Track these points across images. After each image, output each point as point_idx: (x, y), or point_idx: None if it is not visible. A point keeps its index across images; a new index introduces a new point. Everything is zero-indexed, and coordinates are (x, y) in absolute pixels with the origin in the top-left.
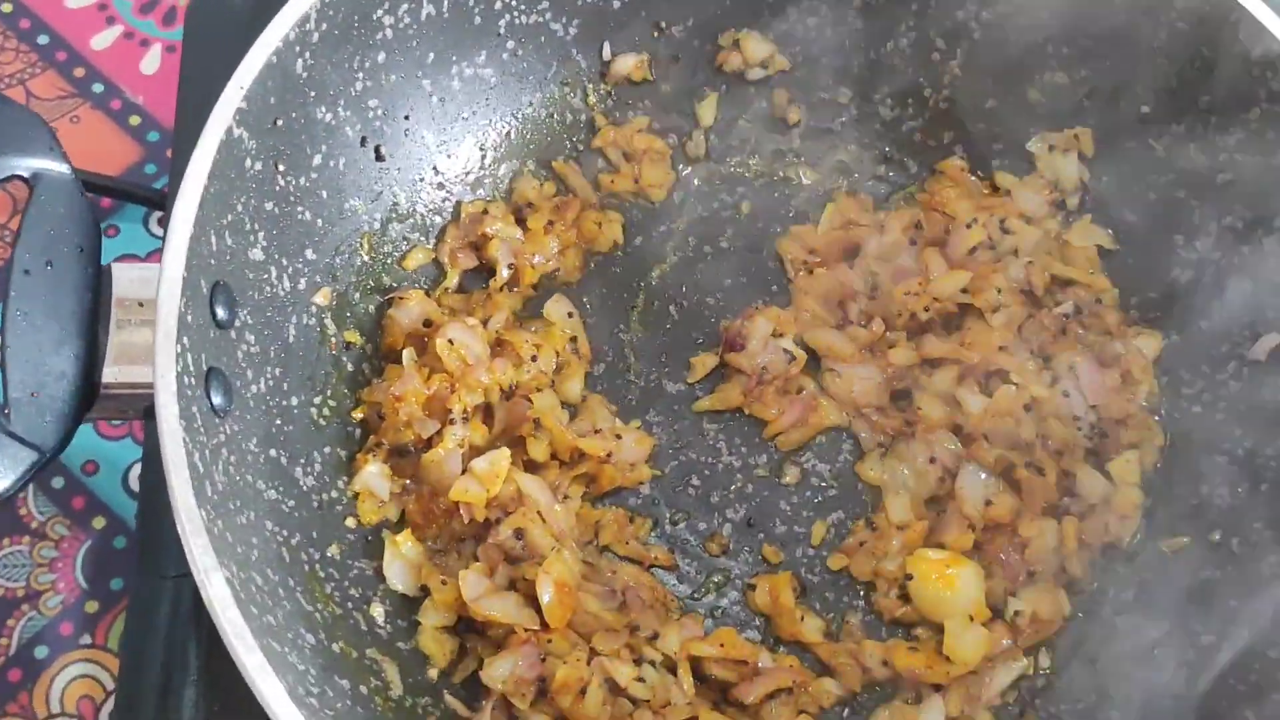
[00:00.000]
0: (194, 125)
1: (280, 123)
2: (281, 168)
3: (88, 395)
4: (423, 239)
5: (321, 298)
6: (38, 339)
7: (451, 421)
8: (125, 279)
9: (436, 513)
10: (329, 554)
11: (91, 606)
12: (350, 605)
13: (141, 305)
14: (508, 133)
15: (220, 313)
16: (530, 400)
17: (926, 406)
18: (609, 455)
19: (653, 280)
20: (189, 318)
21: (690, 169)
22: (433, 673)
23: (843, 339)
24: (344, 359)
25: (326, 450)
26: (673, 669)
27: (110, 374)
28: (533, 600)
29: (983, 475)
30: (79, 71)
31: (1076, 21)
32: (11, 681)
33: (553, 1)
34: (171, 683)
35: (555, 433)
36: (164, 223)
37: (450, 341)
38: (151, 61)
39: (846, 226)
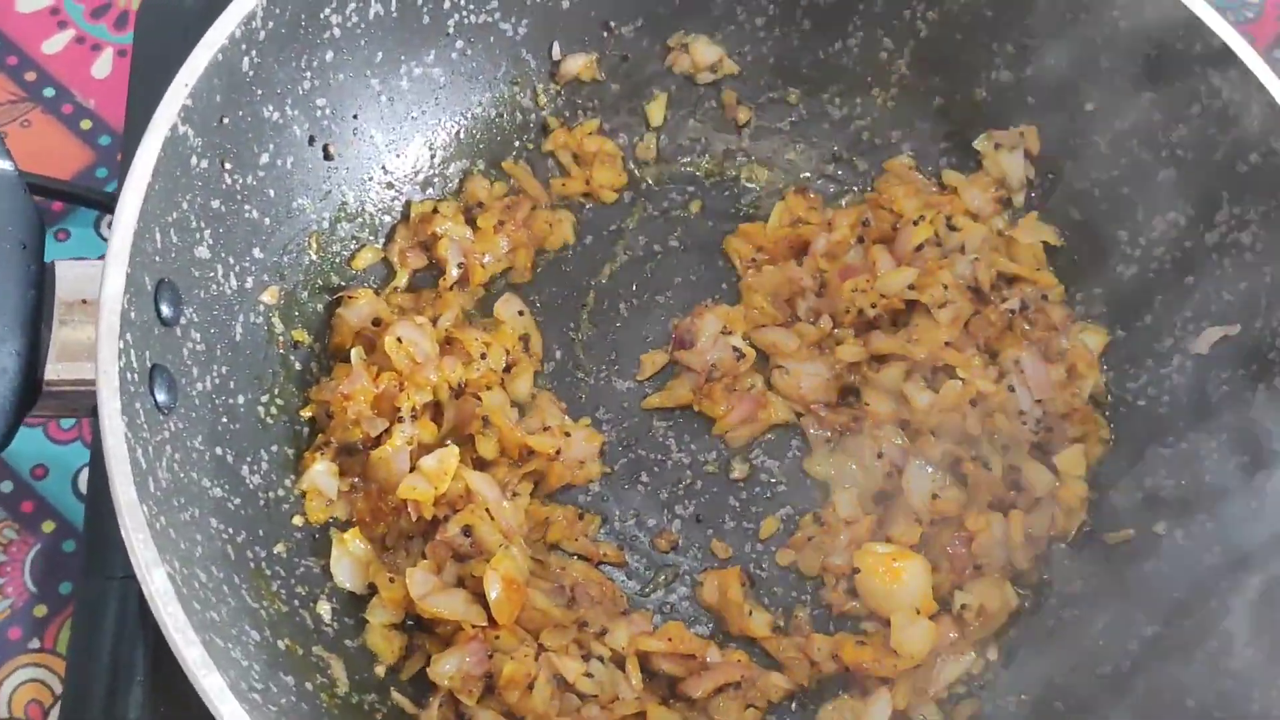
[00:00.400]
0: (143, 128)
1: (226, 121)
2: (228, 166)
3: (29, 393)
4: (372, 238)
5: (269, 296)
6: None
7: (400, 420)
8: (69, 276)
9: (384, 511)
10: (275, 551)
11: (40, 610)
12: (297, 603)
13: (85, 303)
14: (457, 132)
15: (165, 310)
16: (479, 398)
17: (874, 402)
18: (558, 453)
19: (603, 279)
20: (132, 314)
21: (641, 169)
22: (380, 670)
23: (791, 336)
24: (292, 358)
25: (274, 448)
26: (621, 664)
27: (53, 371)
28: (481, 597)
29: (929, 470)
30: (30, 75)
31: (1021, 21)
32: None
33: (501, 1)
34: (118, 683)
35: (504, 430)
36: None
37: (399, 340)
38: (103, 66)
39: (795, 224)
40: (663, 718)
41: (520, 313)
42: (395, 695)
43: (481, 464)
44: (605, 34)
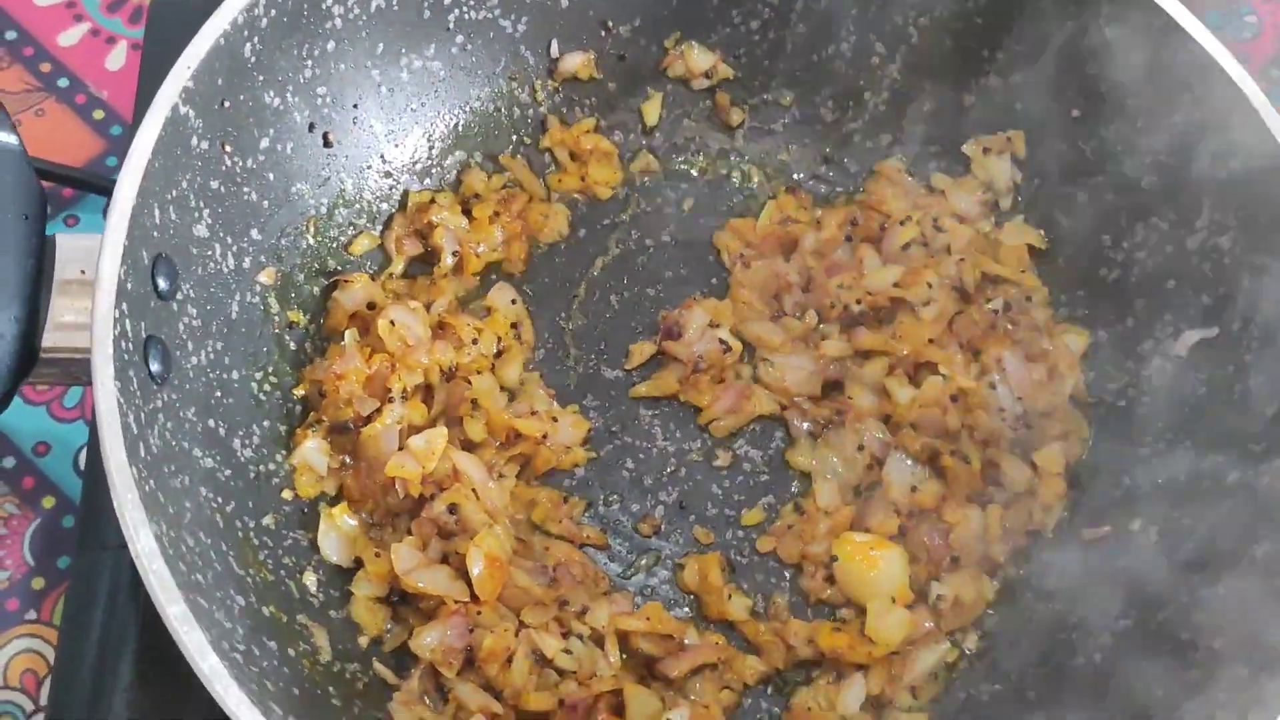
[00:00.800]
0: None
1: (228, 104)
2: (228, 148)
3: (27, 359)
4: (369, 225)
5: (266, 277)
6: None
7: (391, 400)
8: (69, 249)
9: (373, 488)
10: (264, 523)
11: (38, 583)
12: (283, 573)
13: (84, 273)
14: (456, 125)
15: (162, 284)
16: (469, 382)
17: (857, 396)
18: (545, 437)
19: (595, 271)
20: (129, 285)
21: (635, 166)
22: (363, 641)
23: (777, 330)
24: (287, 337)
25: (266, 424)
26: (601, 643)
27: (50, 339)
28: (464, 574)
29: (909, 463)
30: (45, 67)
31: (1010, 29)
32: None
33: None
34: (109, 650)
35: (492, 413)
36: None
37: (392, 322)
38: (117, 58)
39: (785, 222)
40: (639, 695)
41: (513, 301)
42: (377, 665)
43: (469, 445)
44: (603, 33)
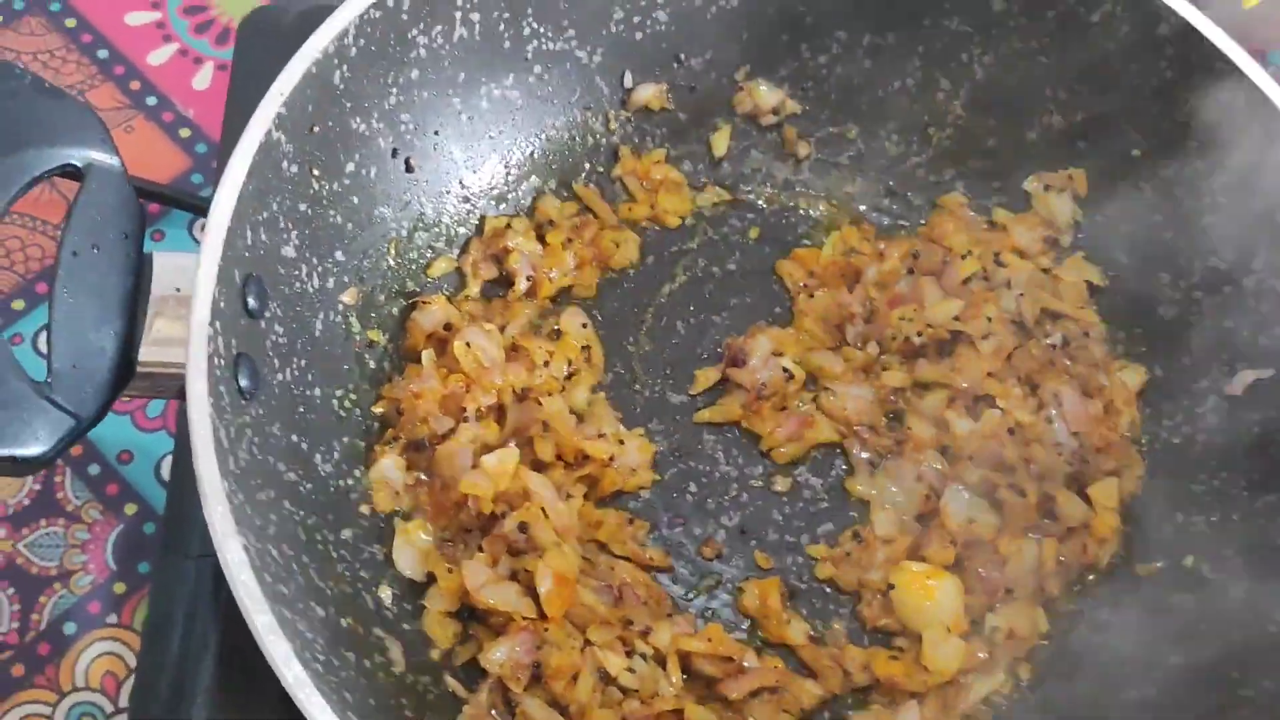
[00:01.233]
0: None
1: (317, 130)
2: (316, 172)
3: (125, 372)
4: (447, 248)
5: (348, 297)
6: (81, 316)
7: (465, 419)
8: (165, 267)
9: (446, 504)
10: (343, 536)
11: (119, 588)
12: (360, 586)
13: (178, 291)
14: (531, 152)
15: (252, 302)
16: (540, 403)
17: (916, 427)
18: (612, 459)
19: (662, 298)
20: (222, 304)
21: (704, 196)
22: (435, 654)
23: (839, 360)
24: (366, 356)
25: (345, 440)
26: (663, 663)
27: (146, 353)
28: (532, 591)
29: (966, 495)
30: (135, 85)
31: (1072, 68)
32: (40, 655)
33: (578, 30)
34: (190, 655)
35: (562, 434)
36: None
37: (468, 344)
38: (203, 78)
39: (849, 253)
40: (700, 716)
41: (584, 325)
42: (448, 679)
43: (539, 465)
44: (675, 65)
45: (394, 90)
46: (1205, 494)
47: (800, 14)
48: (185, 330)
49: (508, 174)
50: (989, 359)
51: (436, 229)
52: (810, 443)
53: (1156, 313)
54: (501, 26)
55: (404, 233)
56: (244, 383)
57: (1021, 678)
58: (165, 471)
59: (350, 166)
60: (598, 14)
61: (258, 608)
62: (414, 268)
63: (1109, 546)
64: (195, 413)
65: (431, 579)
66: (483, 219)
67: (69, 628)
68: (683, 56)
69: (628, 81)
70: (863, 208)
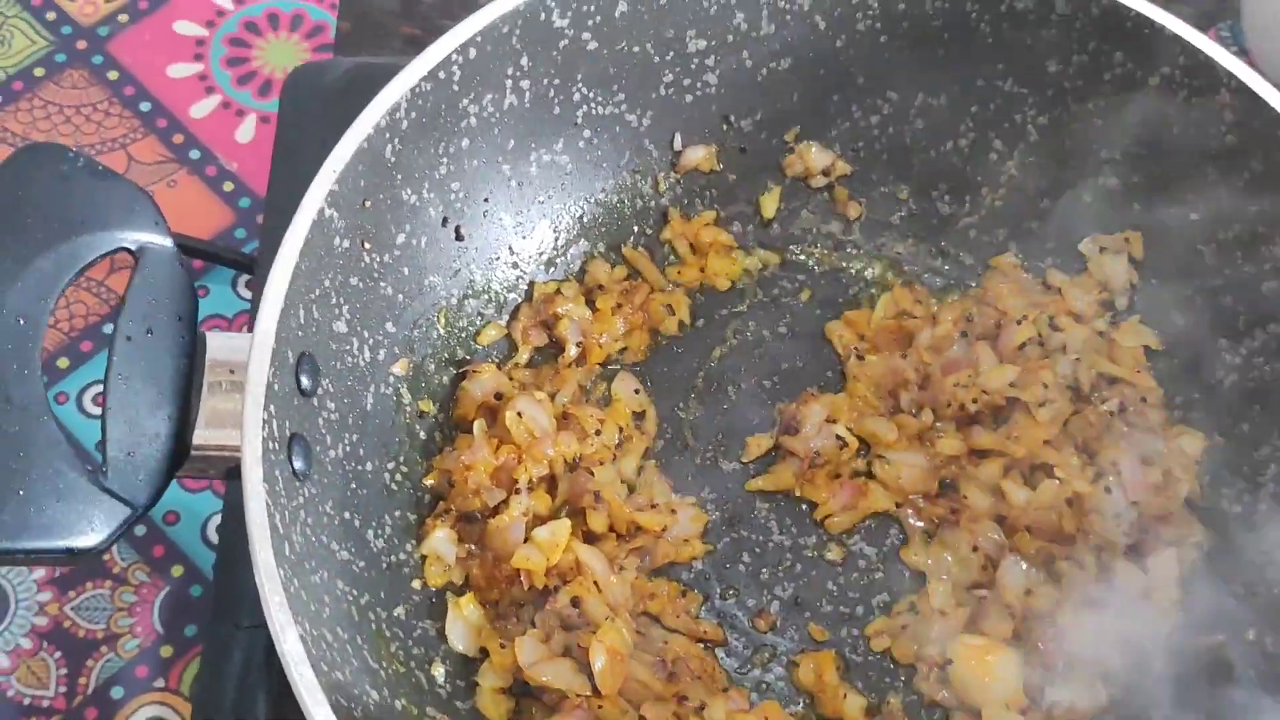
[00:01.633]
0: (285, 193)
1: (368, 204)
2: (368, 245)
3: (179, 455)
4: (496, 315)
5: (399, 368)
6: (136, 402)
7: (517, 491)
8: (217, 346)
9: (499, 578)
10: (395, 614)
11: (166, 651)
12: (413, 664)
13: (232, 372)
14: (580, 216)
15: (305, 381)
16: (592, 473)
17: (972, 496)
18: (664, 530)
19: (713, 362)
20: (276, 386)
21: (753, 257)
22: None
23: (892, 427)
24: (417, 427)
25: (396, 514)
26: None
27: (200, 436)
28: (586, 667)
29: (1024, 566)
30: (178, 138)
31: (1129, 130)
32: None
33: (628, 94)
34: None
35: (614, 506)
36: (251, 285)
37: (519, 414)
38: (246, 131)
39: (900, 316)
40: None
41: (636, 391)
42: None
43: (591, 537)
44: (725, 127)
45: (444, 160)
46: (1268, 565)
47: (851, 74)
48: (239, 411)
49: (557, 239)
50: (1046, 426)
51: (486, 296)
52: (864, 512)
53: (1215, 378)
54: (551, 93)
55: (454, 301)
56: (298, 464)
57: None
58: (211, 532)
59: (401, 238)
60: (647, 77)
61: (315, 699)
62: (464, 336)
63: (1169, 618)
64: (252, 501)
65: (484, 654)
66: (532, 284)
67: (116, 691)
68: (732, 118)
69: (677, 144)
70: (914, 268)
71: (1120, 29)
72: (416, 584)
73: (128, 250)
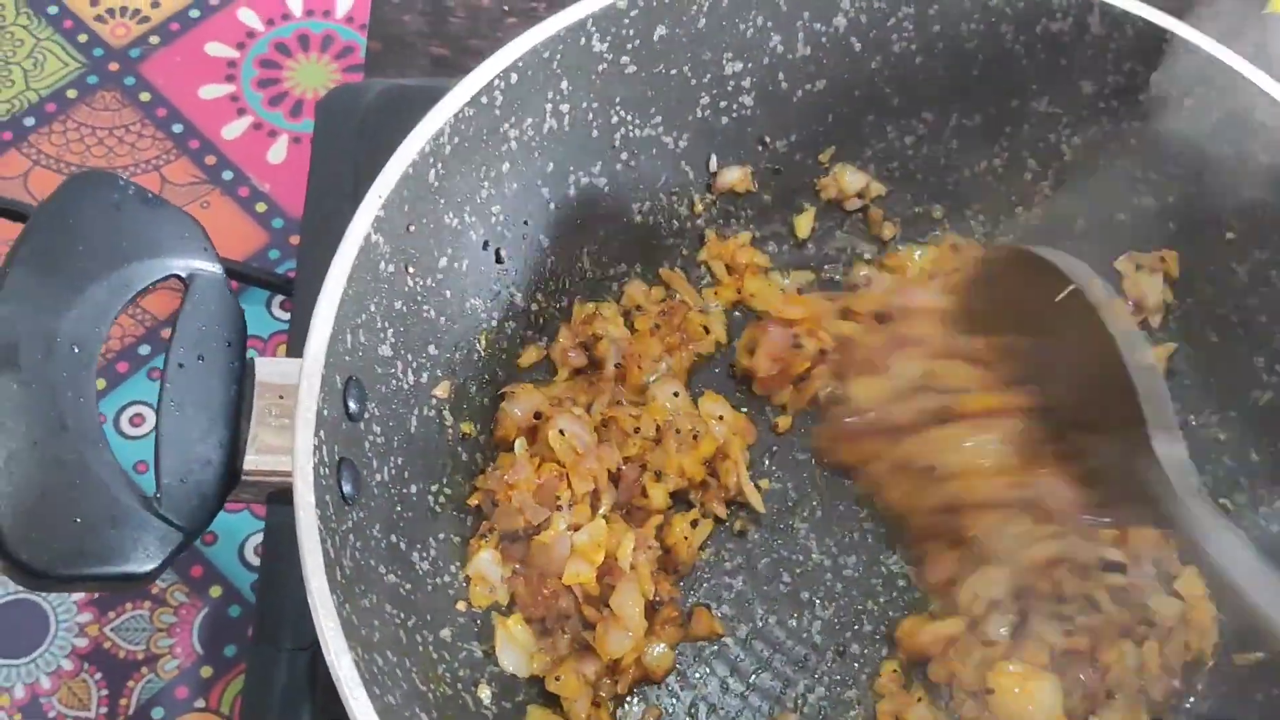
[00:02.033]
0: (321, 215)
1: (412, 228)
2: (411, 269)
3: (229, 481)
4: (536, 337)
5: (442, 391)
6: (188, 428)
7: (559, 508)
8: (266, 372)
9: (544, 595)
10: (441, 636)
11: (206, 671)
12: (460, 686)
13: (281, 397)
14: (618, 237)
15: (352, 406)
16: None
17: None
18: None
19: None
20: (325, 412)
21: (789, 278)
22: None
23: None
24: (460, 449)
25: (441, 536)
26: None
27: (250, 462)
28: None
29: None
30: (210, 159)
31: (1165, 151)
32: None
33: (665, 116)
34: None
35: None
36: (287, 307)
37: (561, 432)
38: (279, 151)
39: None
40: None
41: (675, 394)
42: None
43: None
44: (760, 147)
45: (486, 184)
46: None
47: (886, 95)
48: (289, 437)
49: (595, 260)
50: None
51: (526, 317)
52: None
53: (1251, 396)
54: (590, 116)
55: (494, 323)
56: (347, 489)
57: None
58: (249, 553)
59: (443, 261)
60: (684, 100)
61: None
62: (504, 357)
63: (1210, 636)
64: (304, 528)
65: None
66: (571, 306)
67: (157, 712)
68: (768, 139)
69: (713, 165)
70: None
71: (1155, 49)
72: (461, 605)
73: (178, 277)
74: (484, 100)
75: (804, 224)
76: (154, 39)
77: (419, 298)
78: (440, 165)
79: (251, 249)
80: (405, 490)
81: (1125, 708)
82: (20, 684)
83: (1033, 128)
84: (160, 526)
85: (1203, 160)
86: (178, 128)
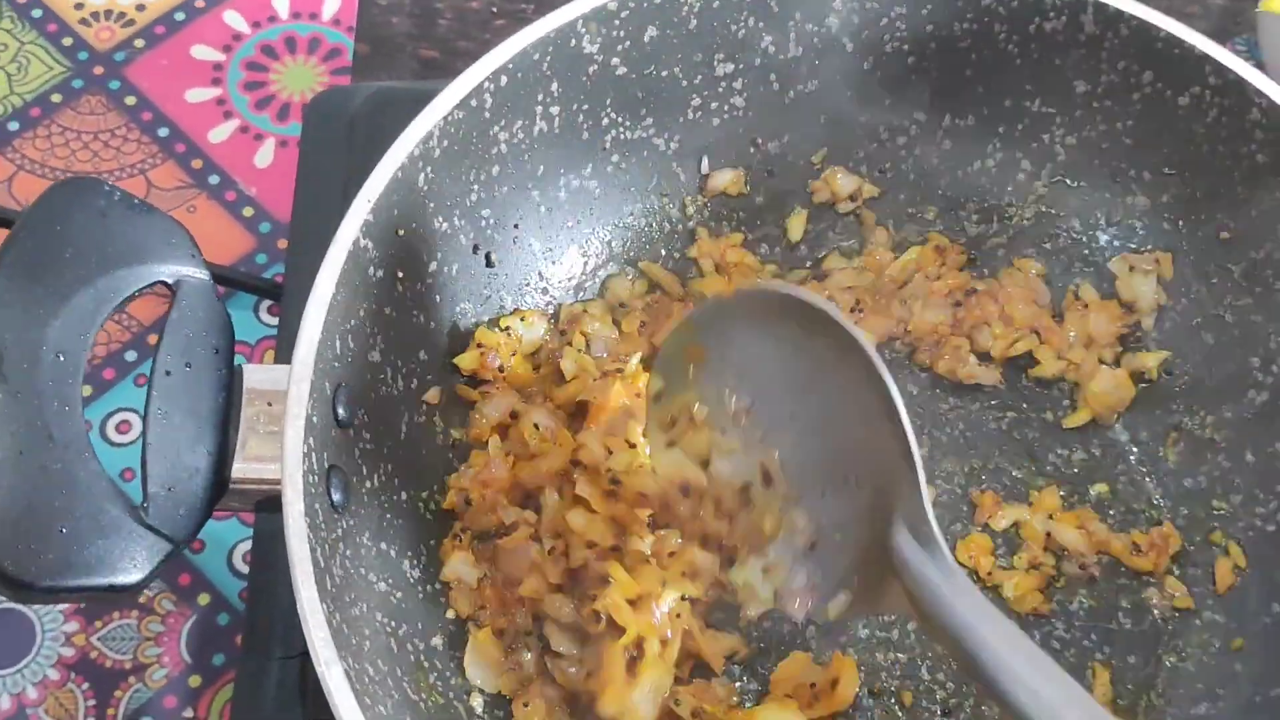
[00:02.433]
0: (309, 219)
1: (401, 233)
2: (400, 274)
3: (218, 489)
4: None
5: (431, 396)
6: (175, 437)
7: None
8: (255, 379)
9: (510, 601)
10: (432, 644)
11: (194, 680)
12: (451, 695)
13: (270, 404)
14: (609, 240)
15: (341, 413)
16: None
17: None
18: None
19: None
20: (314, 419)
21: (781, 278)
22: None
23: None
24: (450, 454)
25: (431, 542)
26: None
27: (239, 469)
28: None
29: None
30: (197, 163)
31: (1159, 151)
32: None
33: (656, 118)
34: None
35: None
36: (275, 312)
37: (536, 426)
38: (265, 155)
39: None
40: None
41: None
42: None
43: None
44: (752, 150)
45: (475, 187)
46: None
47: (878, 96)
48: (277, 444)
49: (585, 263)
50: None
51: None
52: None
53: (1246, 397)
54: (580, 118)
55: (484, 327)
56: (336, 497)
57: None
58: (237, 560)
59: (433, 266)
60: (675, 101)
61: None
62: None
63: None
64: (294, 537)
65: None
66: (559, 307)
67: None
68: (760, 141)
69: (704, 167)
70: None
71: (1149, 49)
72: (451, 613)
73: (165, 283)
74: (473, 103)
75: (796, 226)
76: (139, 42)
77: (408, 303)
78: (430, 169)
79: (239, 253)
80: (396, 497)
81: None
82: (6, 695)
83: (1026, 127)
84: (147, 536)
85: (1199, 161)
86: (163, 131)
